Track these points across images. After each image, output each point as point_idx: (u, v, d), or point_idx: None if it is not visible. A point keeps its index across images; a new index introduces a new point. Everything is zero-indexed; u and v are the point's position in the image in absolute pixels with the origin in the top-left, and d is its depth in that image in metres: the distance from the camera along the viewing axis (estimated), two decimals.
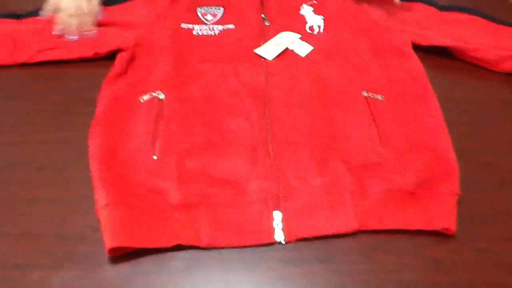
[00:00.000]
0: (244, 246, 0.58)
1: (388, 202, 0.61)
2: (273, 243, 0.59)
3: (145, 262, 0.57)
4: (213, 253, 0.58)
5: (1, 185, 0.65)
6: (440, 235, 0.60)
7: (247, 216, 0.60)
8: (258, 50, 0.79)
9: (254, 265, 0.57)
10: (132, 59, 0.79)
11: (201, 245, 0.58)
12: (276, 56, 0.78)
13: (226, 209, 0.60)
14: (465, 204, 0.62)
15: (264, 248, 0.58)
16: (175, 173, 0.62)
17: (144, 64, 0.78)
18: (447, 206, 0.61)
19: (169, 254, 0.58)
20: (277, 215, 0.60)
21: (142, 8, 0.88)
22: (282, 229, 0.59)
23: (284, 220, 0.60)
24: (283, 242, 0.59)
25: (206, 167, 0.64)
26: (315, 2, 0.89)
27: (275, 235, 0.59)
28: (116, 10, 0.87)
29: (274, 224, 0.59)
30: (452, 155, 0.65)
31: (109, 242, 0.56)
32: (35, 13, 0.87)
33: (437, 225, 0.59)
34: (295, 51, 0.80)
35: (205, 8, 0.87)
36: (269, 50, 0.79)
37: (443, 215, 0.60)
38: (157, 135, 0.67)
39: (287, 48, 0.80)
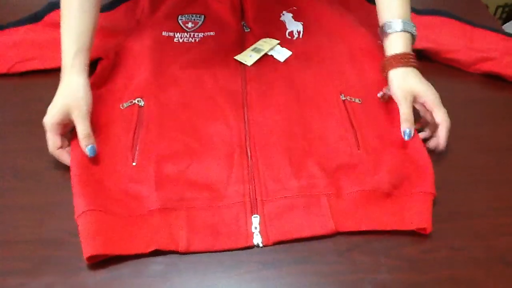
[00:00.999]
0: (222, 250, 0.58)
1: (364, 203, 0.61)
2: (251, 247, 0.59)
3: (123, 267, 0.57)
4: (191, 257, 0.58)
5: None
6: (416, 235, 0.60)
7: (224, 220, 0.60)
8: (238, 57, 0.80)
9: (232, 268, 0.57)
10: (113, 67, 0.79)
11: (179, 249, 0.58)
12: (255, 62, 0.79)
13: (203, 213, 0.61)
14: (440, 203, 0.63)
15: (242, 251, 0.59)
16: (153, 178, 0.63)
17: (125, 71, 0.79)
18: (423, 206, 0.61)
19: (147, 259, 0.58)
20: (255, 219, 0.60)
21: (123, 17, 0.89)
22: (260, 233, 0.59)
23: (261, 224, 0.60)
24: (261, 245, 0.59)
25: (184, 172, 0.64)
26: (295, 8, 0.90)
27: (253, 238, 0.59)
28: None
29: (252, 228, 0.60)
30: (426, 156, 0.66)
31: (88, 250, 0.56)
32: (16, 23, 0.87)
33: (413, 225, 0.60)
34: (274, 56, 0.81)
35: (186, 16, 0.88)
36: (248, 56, 0.80)
37: (419, 215, 0.61)
38: (137, 142, 0.67)
39: (266, 54, 0.81)
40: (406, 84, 0.69)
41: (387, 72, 0.71)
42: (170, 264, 0.58)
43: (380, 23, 0.75)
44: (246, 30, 0.86)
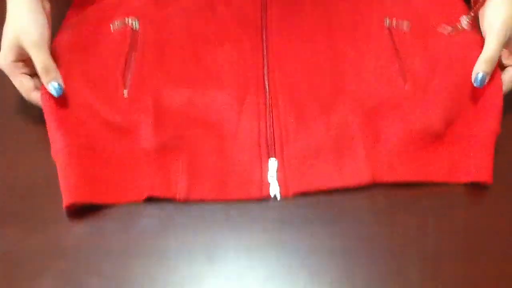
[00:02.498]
0: (230, 201, 0.48)
1: (409, 148, 0.49)
2: (266, 199, 0.48)
3: (108, 221, 0.47)
4: (191, 210, 0.47)
5: None
6: (473, 193, 0.48)
7: (234, 164, 0.49)
8: None
9: (243, 226, 0.46)
10: None
11: (177, 198, 0.47)
12: None
13: (208, 156, 0.50)
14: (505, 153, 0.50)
15: (255, 205, 0.48)
16: (149, 111, 0.52)
17: None
18: (483, 152, 0.49)
19: (137, 211, 0.47)
20: (272, 164, 0.49)
21: None
22: (278, 182, 0.48)
23: (280, 170, 0.49)
24: (279, 198, 0.48)
25: (187, 106, 0.53)
26: None
27: (269, 189, 0.48)
28: None
29: (268, 175, 0.49)
30: (495, 88, 0.52)
31: (68, 196, 0.46)
32: None
33: (469, 177, 0.48)
34: None
35: None
36: None
37: (478, 164, 0.48)
38: (129, 69, 0.55)
39: None
40: (509, 13, 0.51)
41: None
42: (165, 218, 0.47)
43: None
44: None
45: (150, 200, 0.47)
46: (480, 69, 0.51)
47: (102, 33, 0.59)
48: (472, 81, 0.51)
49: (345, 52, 0.58)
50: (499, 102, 0.51)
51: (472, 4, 0.57)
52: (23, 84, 0.52)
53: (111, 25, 0.59)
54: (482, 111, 0.51)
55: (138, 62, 0.56)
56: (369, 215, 0.47)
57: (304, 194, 0.48)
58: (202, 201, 0.47)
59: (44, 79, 0.50)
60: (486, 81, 0.50)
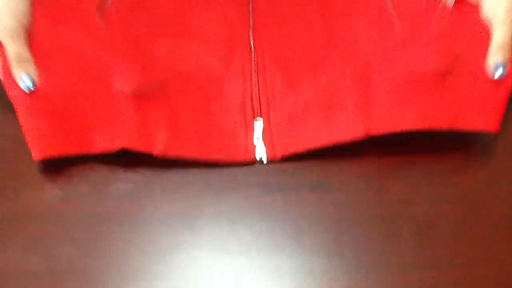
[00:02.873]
0: (212, 163, 0.44)
1: (405, 92, 0.44)
2: (251, 163, 0.45)
3: (81, 185, 0.44)
4: (170, 174, 0.44)
5: None
6: (474, 159, 0.45)
7: (217, 123, 0.46)
8: None
9: (225, 192, 0.43)
10: None
11: (154, 152, 0.43)
12: None
13: (191, 112, 0.46)
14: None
15: (238, 170, 0.45)
16: (127, 50, 0.48)
17: None
18: (491, 95, 0.43)
19: (112, 174, 0.44)
20: (258, 126, 0.46)
21: None
22: (264, 143, 0.45)
23: (266, 131, 0.46)
24: (265, 161, 0.45)
25: (171, 56, 0.49)
26: None
27: (254, 151, 0.45)
28: None
29: (254, 137, 0.46)
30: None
31: (37, 151, 0.42)
32: None
33: (473, 124, 0.43)
34: None
35: None
36: None
37: (483, 107, 0.43)
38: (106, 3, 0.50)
39: None
40: None
41: None
42: (141, 183, 0.44)
43: None
44: None
45: (126, 163, 0.44)
46: (497, 59, 0.43)
47: None
48: (491, 76, 0.43)
49: (334, 4, 0.54)
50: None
51: None
52: None
53: None
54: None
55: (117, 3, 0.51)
56: (359, 181, 0.44)
57: (293, 156, 0.45)
58: (181, 158, 0.44)
59: (15, 70, 0.43)
60: (506, 71, 0.43)
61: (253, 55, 0.50)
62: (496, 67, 0.43)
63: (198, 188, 0.44)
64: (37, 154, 0.42)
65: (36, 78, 0.44)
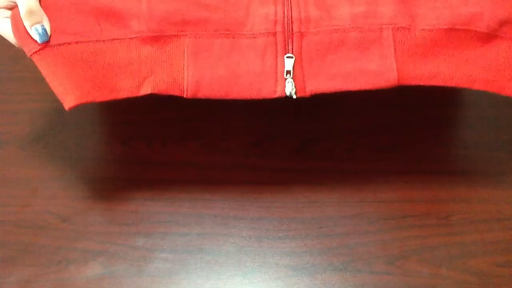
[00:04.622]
0: (241, 99, 0.44)
1: (446, 45, 0.44)
2: (280, 97, 0.44)
3: (119, 263, 0.46)
4: (205, 255, 0.47)
5: None
6: (489, 241, 0.48)
7: (245, 57, 0.44)
8: None
9: (256, 271, 0.46)
10: None
11: (184, 95, 0.44)
12: None
13: (216, 46, 0.44)
14: None
15: (268, 249, 0.47)
16: None
17: None
18: None
19: (151, 253, 0.47)
20: (289, 61, 0.44)
21: None
22: (294, 78, 0.44)
23: (297, 67, 0.44)
24: (294, 97, 0.44)
25: None
26: None
27: (284, 86, 0.44)
28: None
29: (284, 71, 0.44)
30: None
31: (67, 100, 0.43)
32: None
33: (507, 89, 0.44)
34: None
35: None
36: None
37: None
38: None
39: None
40: None
41: None
42: (176, 262, 0.46)
43: None
44: None
45: (163, 241, 0.47)
46: None
47: None
48: None
49: None
50: None
51: None
52: None
53: None
54: None
55: None
56: (381, 263, 0.46)
57: (318, 238, 0.47)
58: (210, 98, 0.44)
59: (26, 22, 0.43)
60: None
61: None
62: None
63: (231, 267, 0.46)
64: (67, 104, 0.43)
65: (48, 28, 0.43)
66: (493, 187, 0.52)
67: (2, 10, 0.44)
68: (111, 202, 0.51)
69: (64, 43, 0.43)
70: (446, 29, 0.44)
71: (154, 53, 0.44)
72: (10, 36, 0.45)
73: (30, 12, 0.43)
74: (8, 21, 0.44)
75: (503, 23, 0.44)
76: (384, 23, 0.44)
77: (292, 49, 0.45)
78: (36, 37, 0.43)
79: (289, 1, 0.45)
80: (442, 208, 0.50)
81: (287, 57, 0.44)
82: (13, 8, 0.44)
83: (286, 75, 0.44)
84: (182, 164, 0.54)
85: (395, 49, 0.44)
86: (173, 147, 0.55)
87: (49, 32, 0.43)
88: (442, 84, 0.44)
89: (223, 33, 0.45)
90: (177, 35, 0.44)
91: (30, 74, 0.63)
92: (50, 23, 0.43)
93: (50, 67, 0.43)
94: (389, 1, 0.44)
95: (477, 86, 0.44)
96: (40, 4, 0.43)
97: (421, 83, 0.44)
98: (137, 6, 0.44)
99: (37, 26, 0.43)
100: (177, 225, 0.49)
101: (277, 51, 0.44)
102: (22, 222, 0.49)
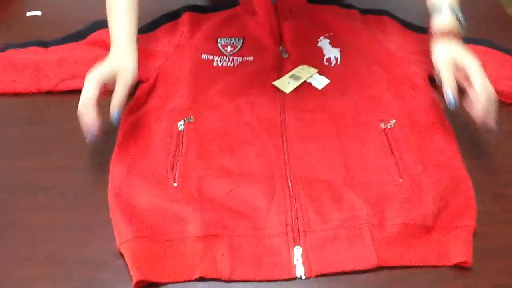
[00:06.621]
0: (264, 280, 0.58)
1: (407, 236, 0.61)
2: (293, 278, 0.59)
3: None
4: (234, 285, 0.58)
5: (23, 210, 0.67)
6: (457, 269, 0.60)
7: (267, 250, 0.60)
8: (276, 83, 0.81)
9: None
10: (152, 90, 0.81)
11: (222, 277, 0.58)
12: (293, 90, 0.80)
13: (246, 242, 0.61)
14: (480, 237, 0.62)
15: (284, 282, 0.59)
16: (196, 201, 0.63)
17: (163, 93, 0.80)
18: (464, 240, 0.61)
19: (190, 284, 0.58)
20: (297, 250, 0.60)
21: (163, 38, 0.90)
22: (303, 264, 0.59)
23: (304, 255, 0.60)
24: (304, 277, 0.59)
25: (226, 198, 0.65)
26: (332, 34, 0.91)
27: (296, 270, 0.59)
28: (139, 40, 0.89)
29: (295, 259, 0.59)
30: (469, 186, 0.66)
31: (136, 275, 0.57)
32: (60, 41, 0.90)
33: (454, 260, 0.60)
34: (312, 84, 0.82)
35: (225, 39, 0.89)
36: (287, 83, 0.81)
37: (460, 249, 0.60)
38: (177, 164, 0.68)
39: (304, 81, 0.82)
40: (448, 50, 0.72)
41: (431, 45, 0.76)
42: None
43: (429, 8, 0.78)
44: (284, 56, 0.87)
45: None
46: (448, 92, 0.68)
47: (152, 134, 0.73)
48: (447, 102, 0.68)
49: (351, 150, 0.71)
50: (471, 193, 0.65)
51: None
52: (89, 92, 0.66)
53: (159, 128, 0.73)
54: (462, 204, 0.64)
55: (184, 159, 0.69)
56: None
57: (325, 274, 0.59)
58: (242, 280, 0.58)
59: (114, 106, 0.68)
60: (455, 100, 0.67)
61: (290, 192, 0.65)
62: (448, 97, 0.68)
63: None
64: (135, 278, 0.57)
65: (121, 115, 0.69)
66: None
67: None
68: None
69: (141, 236, 0.60)
70: (404, 225, 0.61)
71: (203, 247, 0.60)
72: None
73: (120, 102, 0.69)
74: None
75: (437, 215, 0.63)
76: (362, 223, 0.62)
77: (299, 243, 0.60)
78: (114, 116, 0.68)
79: (296, 210, 0.63)
80: None
81: (296, 249, 0.60)
82: None
83: (296, 262, 0.59)
84: None
85: (372, 241, 0.60)
86: None
87: (120, 117, 0.69)
88: (409, 264, 0.60)
89: (251, 234, 0.61)
90: (219, 235, 0.61)
91: (74, 135, 0.75)
92: (132, 226, 0.61)
93: (131, 252, 0.59)
94: (364, 206, 0.63)
95: (431, 263, 0.60)
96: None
97: (395, 264, 0.59)
98: (194, 214, 0.62)
99: (116, 110, 0.68)
100: None
101: (288, 245, 0.60)
102: (83, 260, 0.61)
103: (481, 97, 0.65)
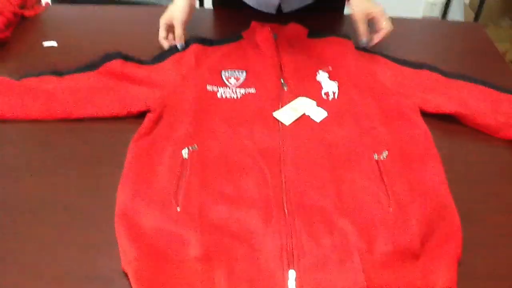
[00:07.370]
0: None
1: (394, 262, 0.65)
2: None
3: None
4: None
5: (34, 227, 0.71)
6: None
7: (262, 272, 0.64)
8: (276, 114, 0.86)
9: None
10: (158, 119, 0.86)
11: None
12: (293, 121, 0.85)
13: (242, 264, 0.64)
14: (465, 263, 0.66)
15: None
16: (198, 225, 0.67)
17: (169, 123, 0.85)
18: (449, 266, 0.65)
19: None
20: (292, 273, 0.63)
21: (170, 69, 0.96)
22: (296, 287, 0.62)
23: (298, 278, 0.63)
24: None
25: (226, 221, 0.69)
26: (330, 69, 0.97)
27: None
28: (147, 71, 0.96)
29: (289, 283, 0.63)
30: (455, 214, 0.71)
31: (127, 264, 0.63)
32: (74, 71, 0.96)
33: (439, 286, 0.63)
34: (311, 117, 0.87)
35: (229, 71, 0.95)
36: (286, 114, 0.86)
37: (445, 276, 0.64)
38: (180, 189, 0.73)
39: (303, 114, 0.87)
40: (363, 6, 1.02)
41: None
42: None
43: None
44: (284, 88, 0.92)
45: None
46: (362, 38, 1.04)
47: (158, 161, 0.78)
48: (361, 43, 1.03)
49: (343, 179, 0.75)
50: (457, 222, 0.69)
51: None
52: (161, 33, 1.06)
53: (164, 155, 0.78)
54: (448, 236, 0.68)
55: (187, 185, 0.73)
56: None
57: None
58: None
59: (177, 41, 1.02)
60: (367, 43, 1.04)
61: (286, 217, 0.69)
62: (362, 42, 1.04)
63: None
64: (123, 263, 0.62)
65: (184, 45, 1.03)
66: None
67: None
68: None
69: (145, 258, 0.65)
70: (391, 251, 0.65)
71: (202, 269, 0.64)
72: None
73: (180, 37, 1.05)
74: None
75: (424, 242, 0.67)
76: (352, 248, 0.65)
77: (293, 266, 0.64)
78: (179, 46, 1.04)
79: (291, 235, 0.67)
80: None
81: (291, 272, 0.63)
82: None
83: (291, 284, 0.62)
84: None
85: (362, 265, 0.63)
86: None
87: (183, 48, 1.04)
88: None
89: (248, 257, 0.65)
90: (217, 257, 0.64)
91: (87, 159, 0.80)
92: (136, 247, 0.66)
93: (135, 271, 0.63)
94: (354, 232, 0.67)
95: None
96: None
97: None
98: (195, 236, 0.66)
99: (180, 44, 1.04)
100: None
101: (283, 268, 0.64)
102: (91, 277, 0.65)
103: (382, 32, 1.01)
